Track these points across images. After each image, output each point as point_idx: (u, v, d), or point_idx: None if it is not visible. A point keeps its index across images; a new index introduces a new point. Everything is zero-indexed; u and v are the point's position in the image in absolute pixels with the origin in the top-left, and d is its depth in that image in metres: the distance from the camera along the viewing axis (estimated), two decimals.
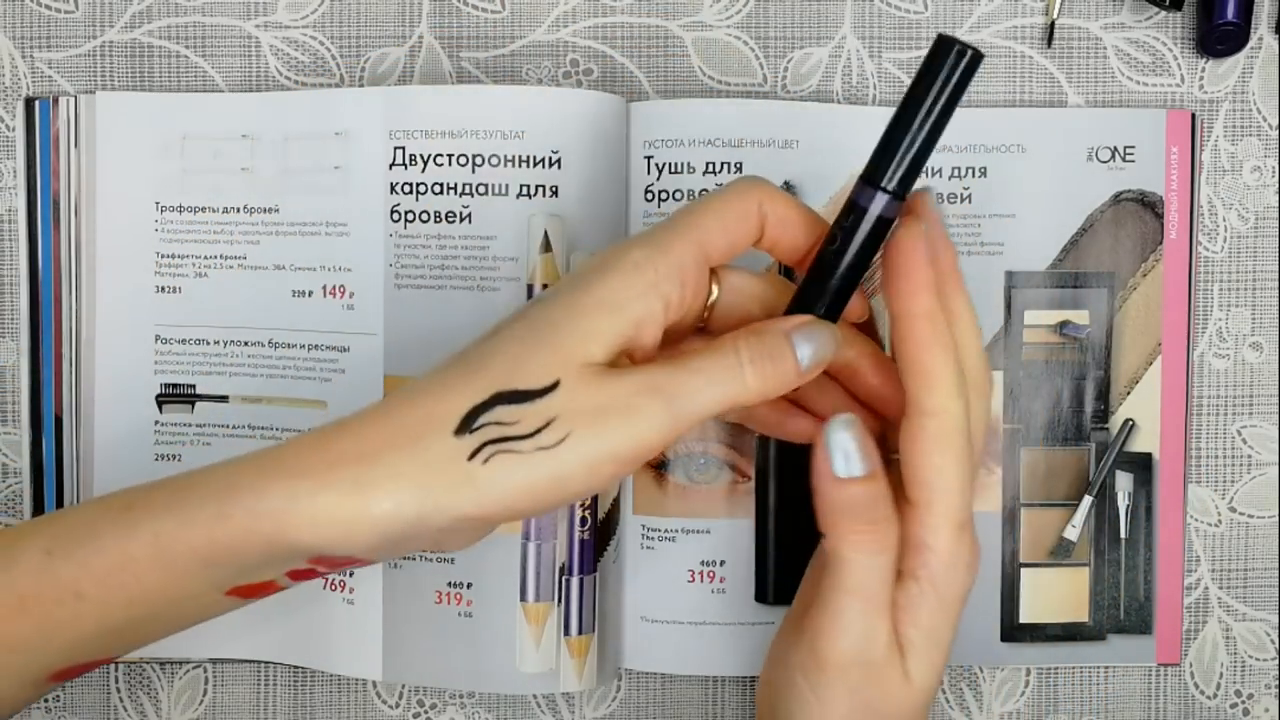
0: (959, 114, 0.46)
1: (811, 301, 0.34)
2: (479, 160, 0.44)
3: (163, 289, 0.46)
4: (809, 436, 0.35)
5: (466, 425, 0.31)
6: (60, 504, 0.46)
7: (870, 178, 0.33)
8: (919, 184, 0.34)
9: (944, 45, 0.32)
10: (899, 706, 0.34)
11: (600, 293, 0.32)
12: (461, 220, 0.44)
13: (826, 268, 0.34)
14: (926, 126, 0.32)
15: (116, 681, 0.47)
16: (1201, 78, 0.47)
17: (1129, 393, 0.46)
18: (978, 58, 0.32)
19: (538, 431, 0.31)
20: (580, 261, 0.33)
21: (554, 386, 0.31)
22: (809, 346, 0.33)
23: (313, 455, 0.32)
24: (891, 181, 0.33)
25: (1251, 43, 0.46)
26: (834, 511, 0.33)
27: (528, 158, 0.44)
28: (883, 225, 0.33)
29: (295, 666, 0.47)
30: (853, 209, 0.33)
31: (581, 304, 0.32)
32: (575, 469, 0.31)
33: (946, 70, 0.32)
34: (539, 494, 0.31)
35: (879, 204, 0.33)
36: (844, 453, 0.33)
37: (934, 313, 0.33)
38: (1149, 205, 0.46)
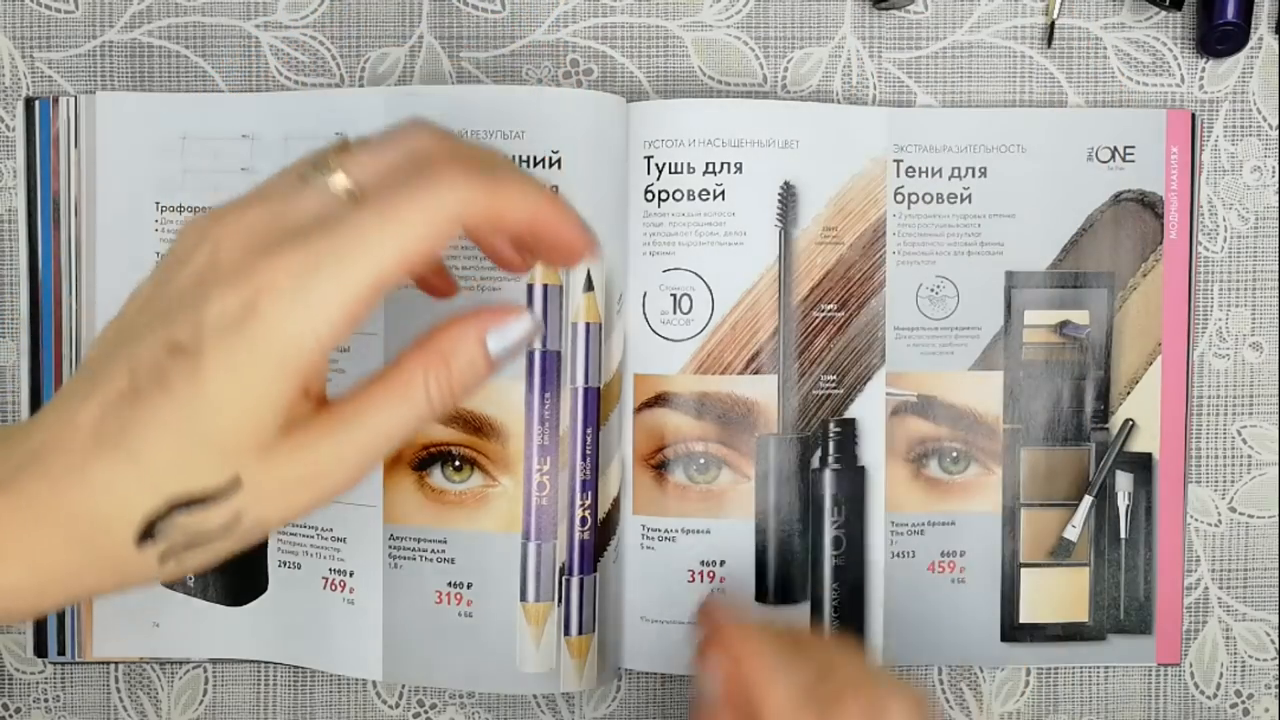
0: (959, 114, 0.46)
1: None
2: None
3: None
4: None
5: (148, 535, 0.28)
6: None
7: None
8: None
9: None
10: None
11: (228, 380, 0.28)
12: None
13: None
14: None
15: (116, 681, 0.47)
16: (1201, 78, 0.47)
17: (1129, 393, 0.46)
18: None
19: (227, 526, 0.29)
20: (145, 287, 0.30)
21: (235, 483, 0.28)
22: (501, 342, 0.31)
23: None
24: None
25: (1251, 43, 0.46)
26: None
27: (528, 158, 0.44)
28: None
29: (295, 666, 0.47)
30: None
31: (221, 392, 0.28)
32: (264, 532, 0.30)
33: None
34: (224, 556, 0.30)
35: None
36: None
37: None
38: (1149, 205, 0.46)
